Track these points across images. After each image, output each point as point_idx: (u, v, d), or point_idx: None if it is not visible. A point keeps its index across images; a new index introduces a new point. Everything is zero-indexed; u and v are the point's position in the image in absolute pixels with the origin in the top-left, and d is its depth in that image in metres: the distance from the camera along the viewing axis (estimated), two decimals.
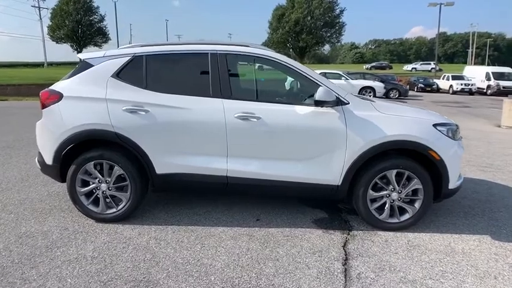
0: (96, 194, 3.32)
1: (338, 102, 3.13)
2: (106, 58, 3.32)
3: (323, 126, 3.14)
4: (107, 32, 55.04)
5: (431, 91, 27.51)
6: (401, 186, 3.24)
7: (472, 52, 73.10)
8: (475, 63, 59.16)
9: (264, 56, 3.29)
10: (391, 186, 3.25)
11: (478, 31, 79.41)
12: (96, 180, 3.30)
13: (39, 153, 3.40)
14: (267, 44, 43.95)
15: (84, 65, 3.34)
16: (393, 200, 3.28)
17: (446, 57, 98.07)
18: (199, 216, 3.55)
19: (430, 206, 3.31)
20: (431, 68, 46.75)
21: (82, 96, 3.22)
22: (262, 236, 3.17)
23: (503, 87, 25.72)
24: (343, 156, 3.15)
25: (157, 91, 3.23)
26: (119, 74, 3.27)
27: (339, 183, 3.22)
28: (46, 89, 3.37)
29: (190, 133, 3.19)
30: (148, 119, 3.16)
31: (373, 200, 3.29)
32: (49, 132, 3.27)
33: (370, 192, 3.25)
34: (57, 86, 3.32)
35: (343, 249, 2.99)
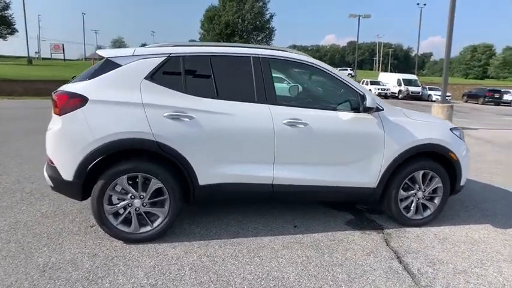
0: (126, 211, 2.93)
1: (376, 109, 3.29)
2: (136, 57, 2.95)
3: (364, 131, 3.27)
4: (13, 22, 47.70)
5: None
6: (425, 185, 3.55)
7: (378, 60, 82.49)
8: (380, 70, 66.80)
9: (306, 62, 3.28)
10: (417, 186, 3.53)
11: (382, 41, 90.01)
12: (129, 196, 2.90)
13: (53, 167, 2.85)
14: None
15: (109, 64, 2.91)
16: (418, 198, 3.57)
17: (356, 64, 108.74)
18: (235, 227, 3.37)
19: (447, 201, 3.69)
20: (348, 74, 51.31)
21: (113, 100, 2.80)
22: (311, 242, 3.17)
23: (412, 92, 29.69)
24: (381, 160, 3.32)
25: (199, 96, 2.98)
26: (153, 76, 2.93)
27: (375, 186, 3.39)
28: (61, 90, 2.85)
29: (237, 140, 3.02)
30: (193, 126, 2.90)
31: (401, 200, 3.54)
32: (70, 142, 2.77)
33: (401, 192, 3.48)
34: (76, 88, 2.83)
35: (389, 247, 3.16)
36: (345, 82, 3.34)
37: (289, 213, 3.75)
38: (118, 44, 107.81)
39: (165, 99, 2.89)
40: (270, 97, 3.11)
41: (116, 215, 2.93)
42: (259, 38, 44.71)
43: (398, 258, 2.99)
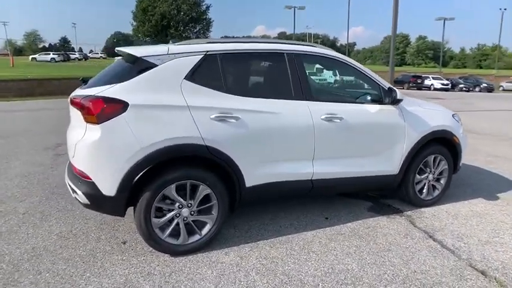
0: (174, 222, 2.72)
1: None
2: (172, 56, 2.72)
3: (390, 121, 3.45)
4: None
5: None
6: (434, 168, 3.88)
7: None
8: None
9: (336, 58, 3.33)
10: (428, 169, 3.84)
11: (312, 32, 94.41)
12: (176, 206, 2.70)
13: (89, 183, 2.52)
14: (133, 37, 40.99)
15: (143, 64, 2.65)
16: (429, 181, 3.89)
17: None
18: (272, 226, 3.35)
19: (451, 181, 4.08)
20: None
21: (155, 104, 2.56)
22: (351, 232, 3.28)
23: (347, 81, 31.69)
24: (403, 148, 3.54)
25: (239, 95, 2.87)
26: (193, 76, 2.74)
27: (397, 172, 3.61)
28: (91, 95, 2.51)
29: (280, 139, 2.98)
30: (239, 127, 2.79)
31: (416, 183, 3.82)
32: (113, 153, 2.47)
33: (417, 176, 3.77)
34: (111, 92, 2.52)
35: (418, 228, 3.41)
36: (370, 77, 3.47)
37: (314, 206, 3.81)
38: (32, 37, 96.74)
39: (209, 100, 2.73)
40: (306, 93, 3.11)
41: (163, 227, 2.71)
42: (196, 30, 43.60)
43: (431, 237, 3.24)
